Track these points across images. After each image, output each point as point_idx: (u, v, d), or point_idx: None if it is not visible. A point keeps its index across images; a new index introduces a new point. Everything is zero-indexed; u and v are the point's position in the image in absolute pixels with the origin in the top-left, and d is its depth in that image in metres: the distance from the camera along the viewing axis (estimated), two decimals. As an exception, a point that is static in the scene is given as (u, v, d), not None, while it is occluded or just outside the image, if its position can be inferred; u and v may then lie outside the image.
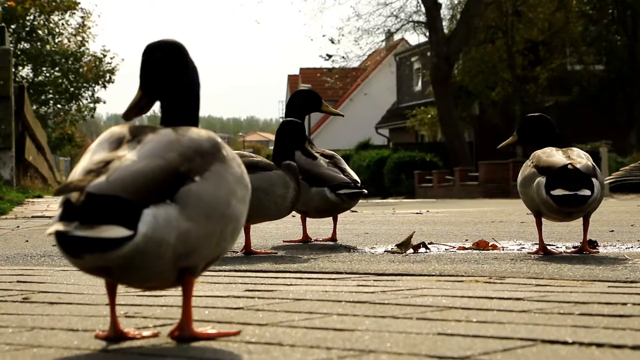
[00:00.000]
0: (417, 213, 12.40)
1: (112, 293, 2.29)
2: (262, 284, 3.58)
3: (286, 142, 5.48)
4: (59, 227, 2.03)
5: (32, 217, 10.01)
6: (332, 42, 42.60)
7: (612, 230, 7.21)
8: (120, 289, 3.30)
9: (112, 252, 2.04)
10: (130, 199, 2.05)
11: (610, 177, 5.43)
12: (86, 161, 2.22)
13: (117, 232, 2.01)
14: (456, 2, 42.86)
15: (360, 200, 6.31)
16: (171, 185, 2.12)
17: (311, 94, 6.27)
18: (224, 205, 2.21)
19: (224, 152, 2.28)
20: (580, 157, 4.94)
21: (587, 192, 4.78)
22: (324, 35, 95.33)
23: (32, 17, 46.99)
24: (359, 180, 6.13)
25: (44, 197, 16.60)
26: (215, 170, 2.23)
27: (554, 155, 4.95)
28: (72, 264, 2.15)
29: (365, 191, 6.22)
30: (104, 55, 48.94)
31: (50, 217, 10.14)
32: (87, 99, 48.84)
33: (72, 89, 47.92)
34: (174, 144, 2.20)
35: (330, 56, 42.61)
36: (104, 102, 51.31)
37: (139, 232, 2.04)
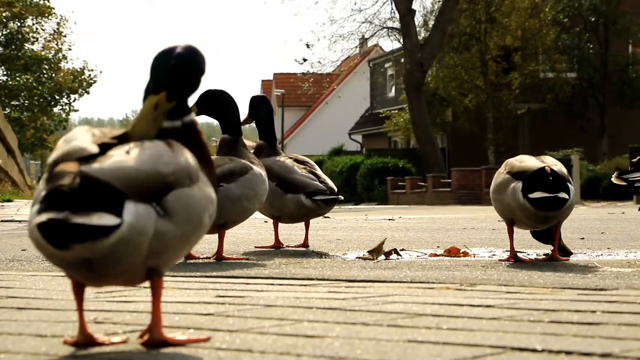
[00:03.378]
0: (389, 219, 12.42)
1: (79, 298, 2.28)
2: (233, 290, 3.57)
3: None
4: (51, 215, 2.01)
5: (2, 221, 9.94)
6: (308, 47, 42.64)
7: (583, 238, 7.25)
8: (90, 294, 3.28)
9: (101, 241, 2.04)
10: (120, 189, 2.08)
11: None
12: (71, 147, 2.20)
13: (108, 219, 2.03)
14: (430, 8, 43.04)
15: (333, 208, 6.32)
16: (158, 191, 2.17)
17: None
18: (201, 213, 2.28)
19: (201, 174, 2.34)
20: (555, 163, 4.96)
21: (565, 195, 4.78)
22: (300, 40, 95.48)
23: (5, 20, 46.71)
24: (335, 187, 6.13)
25: (14, 201, 16.49)
26: (197, 186, 2.29)
27: (528, 161, 4.96)
28: (52, 259, 2.12)
29: (342, 197, 6.23)
30: (83, 68, 48.66)
31: (20, 222, 10.06)
32: (61, 106, 48.54)
33: (47, 97, 47.61)
34: (166, 156, 2.24)
35: (305, 60, 42.66)
36: (76, 111, 51.09)
37: (125, 221, 2.07)
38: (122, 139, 2.26)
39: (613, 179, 5.02)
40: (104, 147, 2.21)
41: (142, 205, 2.11)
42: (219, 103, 5.45)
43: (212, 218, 2.36)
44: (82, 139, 2.24)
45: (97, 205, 2.04)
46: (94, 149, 2.17)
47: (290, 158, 6.28)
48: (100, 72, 49.48)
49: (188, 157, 2.30)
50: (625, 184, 4.95)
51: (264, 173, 5.38)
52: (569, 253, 5.37)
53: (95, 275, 2.18)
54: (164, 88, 2.35)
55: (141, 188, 2.12)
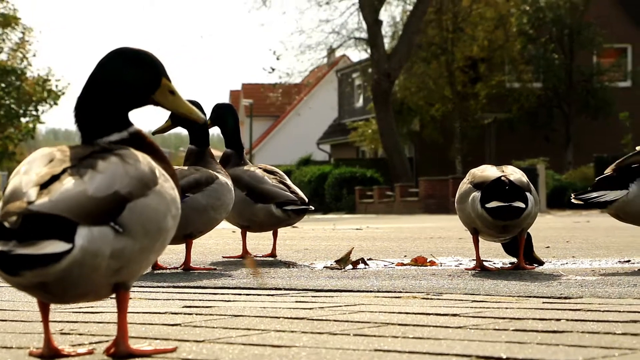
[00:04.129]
0: (357, 229, 12.44)
1: (45, 310, 2.29)
2: (200, 300, 3.57)
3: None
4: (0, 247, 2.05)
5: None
6: (277, 58, 42.59)
7: (548, 247, 7.30)
8: (56, 305, 3.27)
9: (51, 267, 2.09)
10: (70, 218, 2.12)
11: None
12: (21, 180, 2.22)
13: (57, 246, 2.06)
14: (397, 19, 43.20)
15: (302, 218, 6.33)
16: (113, 210, 2.19)
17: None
18: (161, 220, 2.28)
19: (160, 177, 2.34)
20: (514, 172, 5.01)
21: (521, 204, 4.83)
22: (270, 49, 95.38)
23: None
24: (305, 198, 6.13)
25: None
26: (154, 192, 2.29)
27: (488, 171, 5.02)
28: (9, 283, 2.15)
29: (312, 207, 6.24)
30: (47, 74, 48.24)
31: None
32: (29, 117, 48.10)
33: (14, 107, 47.17)
34: (122, 174, 2.24)
35: (273, 69, 42.63)
36: (43, 123, 50.67)
37: (76, 245, 2.10)
38: (83, 158, 2.27)
39: (572, 200, 5.12)
40: (54, 178, 2.21)
41: (96, 228, 2.14)
42: None
43: (177, 218, 2.36)
44: (35, 169, 2.26)
45: (45, 234, 2.08)
46: (33, 195, 2.17)
47: (260, 168, 6.28)
48: (69, 83, 49.17)
49: (142, 164, 2.30)
50: (583, 203, 5.07)
51: (229, 183, 5.38)
52: (541, 263, 5.42)
53: (55, 296, 2.22)
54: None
55: (93, 213, 2.15)
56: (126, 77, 2.40)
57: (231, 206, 5.38)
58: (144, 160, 2.32)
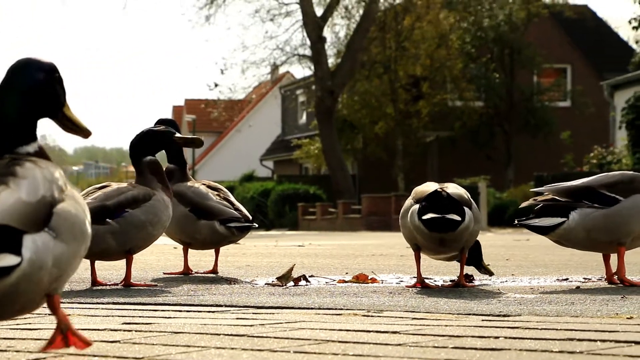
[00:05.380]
0: (299, 245, 12.45)
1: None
2: (140, 316, 3.54)
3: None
4: None
5: None
6: (222, 72, 42.50)
7: (489, 264, 7.36)
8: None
9: (2, 282, 2.05)
10: (16, 227, 2.10)
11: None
12: None
13: (9, 259, 2.02)
14: (341, 36, 43.40)
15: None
16: (46, 215, 2.19)
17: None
18: (83, 224, 2.32)
19: (67, 183, 2.37)
20: (456, 188, 5.07)
21: (456, 217, 4.88)
22: (216, 63, 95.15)
23: None
24: (249, 215, 6.12)
25: None
26: (69, 196, 2.32)
27: (429, 186, 5.09)
28: None
29: (256, 225, 6.23)
30: None
31: None
32: None
33: None
34: (42, 178, 2.25)
35: (216, 85, 42.53)
36: None
37: (24, 258, 2.08)
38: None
39: (516, 223, 5.25)
40: None
41: (38, 236, 2.13)
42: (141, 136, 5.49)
43: (90, 224, 2.37)
44: None
45: None
46: None
47: (203, 184, 6.26)
48: None
49: (52, 168, 2.32)
50: (526, 228, 5.22)
51: (167, 199, 5.36)
52: (490, 273, 5.52)
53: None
54: None
55: (32, 220, 2.13)
56: (47, 88, 2.40)
57: (168, 223, 5.37)
58: (52, 165, 2.36)
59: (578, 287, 5.13)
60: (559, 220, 5.12)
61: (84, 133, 2.49)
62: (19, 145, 2.37)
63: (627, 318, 3.41)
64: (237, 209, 6.07)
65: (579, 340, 2.72)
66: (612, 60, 43.91)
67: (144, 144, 5.45)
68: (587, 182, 5.21)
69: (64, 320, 2.30)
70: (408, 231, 5.08)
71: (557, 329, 3.01)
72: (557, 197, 5.14)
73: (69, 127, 2.47)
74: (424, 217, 4.88)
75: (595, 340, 2.70)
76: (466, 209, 4.95)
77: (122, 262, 5.46)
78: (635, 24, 27.89)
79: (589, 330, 2.95)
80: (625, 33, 59.41)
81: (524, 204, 5.28)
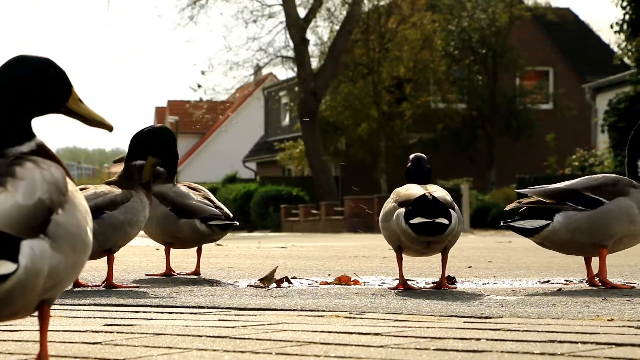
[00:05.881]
0: (282, 247, 12.44)
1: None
2: (122, 318, 3.53)
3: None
4: None
5: None
6: (203, 73, 42.44)
7: (470, 266, 7.38)
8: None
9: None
10: (11, 233, 2.05)
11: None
12: None
13: (6, 267, 1.99)
14: (324, 38, 43.42)
15: (227, 234, 6.31)
16: (43, 220, 2.14)
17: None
18: (85, 233, 2.25)
19: (71, 186, 2.30)
20: (438, 190, 5.09)
21: (444, 221, 4.91)
22: (195, 65, 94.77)
23: None
24: (230, 213, 6.13)
25: None
26: (71, 202, 2.26)
27: (413, 189, 5.09)
28: None
29: (237, 223, 6.23)
30: None
31: None
32: None
33: None
34: (40, 179, 2.20)
35: (200, 86, 42.45)
36: None
37: (21, 265, 2.04)
38: None
39: (502, 225, 5.30)
40: None
41: (35, 242, 2.08)
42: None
43: (93, 230, 2.33)
44: None
45: None
46: None
47: (184, 185, 6.28)
48: None
49: (54, 169, 2.26)
50: (511, 230, 5.26)
51: (145, 200, 5.43)
52: (453, 280, 5.55)
53: None
54: None
55: (28, 225, 2.08)
56: (39, 84, 2.33)
57: (144, 223, 5.45)
58: (55, 165, 2.28)
59: (559, 289, 5.15)
60: (543, 222, 5.14)
61: (102, 125, 2.41)
62: (10, 146, 2.27)
63: (608, 320, 3.42)
64: (217, 207, 6.09)
65: (560, 342, 2.73)
66: (594, 63, 44.10)
67: (147, 144, 5.48)
68: (571, 184, 5.24)
69: (44, 347, 2.25)
70: (391, 234, 5.09)
71: (538, 331, 3.02)
72: (542, 199, 5.16)
73: (83, 120, 2.39)
74: (413, 222, 4.90)
75: (576, 342, 2.71)
76: (451, 211, 4.97)
77: (104, 264, 5.44)
78: (617, 27, 28.00)
79: (570, 332, 2.96)
80: (607, 36, 59.77)
81: (509, 207, 5.30)
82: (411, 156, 5.58)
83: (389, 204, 5.16)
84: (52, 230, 2.14)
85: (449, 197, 5.06)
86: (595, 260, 5.35)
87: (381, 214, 5.21)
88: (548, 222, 5.13)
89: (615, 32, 28.10)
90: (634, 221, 5.15)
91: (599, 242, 5.17)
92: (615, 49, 32.00)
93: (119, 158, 6.22)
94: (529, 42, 43.34)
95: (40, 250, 2.09)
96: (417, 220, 4.90)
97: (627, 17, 27.58)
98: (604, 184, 5.21)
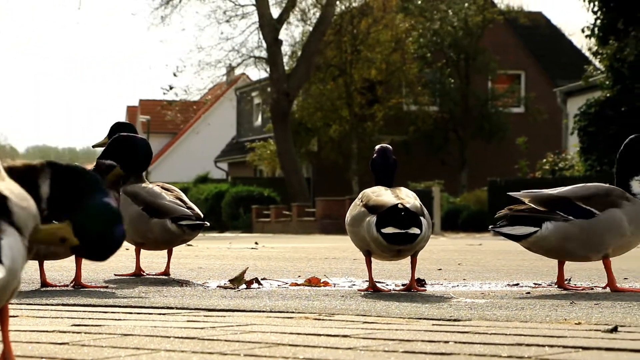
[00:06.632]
0: (252, 248, 12.43)
1: None
2: (90, 318, 3.52)
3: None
4: None
5: None
6: (175, 75, 42.30)
7: (440, 269, 7.41)
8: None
9: None
10: None
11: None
12: None
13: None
14: (297, 39, 43.44)
15: (198, 234, 6.29)
16: (3, 209, 2.05)
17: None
18: (34, 209, 2.17)
19: (2, 171, 2.26)
20: (408, 197, 5.07)
21: (416, 231, 4.91)
22: (166, 66, 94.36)
23: None
24: (201, 214, 6.12)
25: None
26: (6, 179, 2.21)
27: (384, 195, 5.06)
28: None
29: (208, 223, 6.21)
30: None
31: None
32: None
33: None
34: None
35: (171, 87, 42.31)
36: None
37: (5, 266, 1.95)
38: None
39: (490, 229, 5.34)
40: None
41: (9, 238, 1.99)
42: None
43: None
44: None
45: None
46: None
47: (157, 185, 6.27)
48: None
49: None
50: (500, 235, 5.29)
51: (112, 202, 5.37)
52: (423, 283, 5.57)
53: None
54: None
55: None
56: None
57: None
58: None
59: (528, 293, 5.17)
60: (532, 229, 5.15)
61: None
62: None
63: (576, 324, 3.44)
64: (189, 208, 6.08)
65: (527, 345, 2.74)
66: (565, 67, 44.39)
67: (125, 155, 5.47)
68: (563, 192, 5.21)
69: (8, 347, 2.21)
70: (360, 239, 5.08)
71: (506, 334, 3.03)
72: (533, 204, 5.16)
73: None
74: (385, 231, 4.88)
75: (543, 346, 2.73)
76: (422, 219, 4.96)
77: (72, 264, 5.41)
78: (588, 32, 28.18)
79: (538, 336, 2.98)
80: (579, 41, 60.09)
81: (499, 213, 5.29)
82: (377, 147, 5.60)
83: (357, 207, 5.13)
84: (17, 218, 2.04)
85: (418, 203, 5.06)
86: (568, 265, 5.38)
87: (348, 216, 5.19)
88: (536, 229, 5.14)
89: (587, 36, 28.29)
90: (624, 234, 5.15)
91: (589, 252, 5.19)
92: (587, 54, 32.21)
93: (99, 143, 6.38)
94: (501, 46, 43.58)
95: (18, 248, 2.02)
96: (389, 230, 4.89)
97: (598, 22, 27.77)
98: (596, 194, 5.19)
